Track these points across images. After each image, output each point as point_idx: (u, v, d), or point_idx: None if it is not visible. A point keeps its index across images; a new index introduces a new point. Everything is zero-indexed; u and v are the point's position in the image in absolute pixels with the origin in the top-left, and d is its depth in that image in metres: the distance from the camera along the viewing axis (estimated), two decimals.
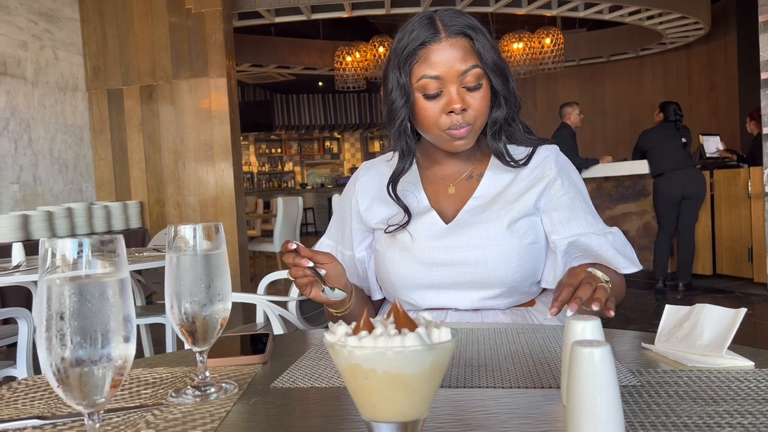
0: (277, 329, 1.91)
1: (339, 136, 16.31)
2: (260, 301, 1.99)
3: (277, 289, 3.64)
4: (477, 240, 1.04)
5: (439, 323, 0.53)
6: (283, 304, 1.96)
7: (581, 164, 5.81)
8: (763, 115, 4.82)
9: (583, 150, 5.96)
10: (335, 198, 4.89)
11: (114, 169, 5.94)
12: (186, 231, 0.67)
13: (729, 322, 0.73)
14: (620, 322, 0.98)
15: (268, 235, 7.98)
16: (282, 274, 2.45)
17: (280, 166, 15.99)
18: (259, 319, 2.38)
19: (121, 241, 0.50)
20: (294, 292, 1.99)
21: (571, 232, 1.06)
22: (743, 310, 0.73)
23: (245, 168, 14.86)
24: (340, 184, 15.29)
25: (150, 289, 3.38)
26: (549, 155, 1.13)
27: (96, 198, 5.95)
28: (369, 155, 16.76)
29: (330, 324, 0.53)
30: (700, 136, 6.08)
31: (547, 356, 0.77)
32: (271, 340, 0.87)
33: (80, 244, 0.48)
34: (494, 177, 1.12)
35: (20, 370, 2.02)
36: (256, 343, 0.87)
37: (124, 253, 0.51)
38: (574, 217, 1.08)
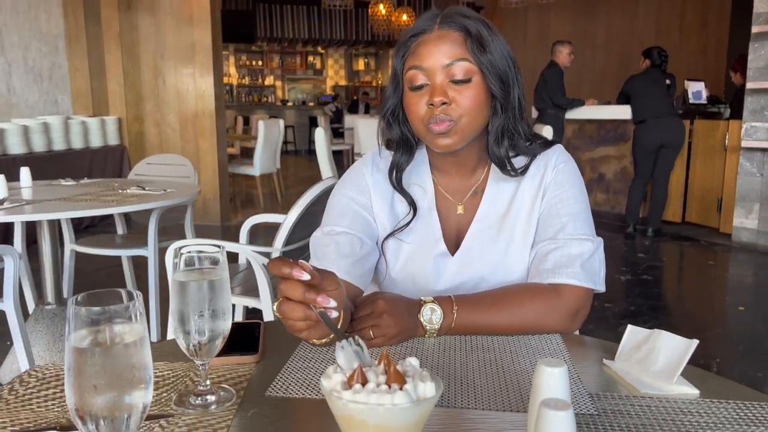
0: (263, 284, 1.97)
1: (323, 51, 15.88)
2: (245, 250, 2.05)
3: (259, 232, 3.65)
4: (484, 272, 1.08)
5: (425, 375, 0.59)
6: (267, 255, 2.02)
7: (567, 104, 5.82)
8: (749, 69, 4.84)
9: (569, 86, 5.94)
10: (319, 135, 4.82)
11: (91, 82, 5.77)
12: (191, 257, 0.72)
13: (682, 352, 0.81)
14: None
15: (247, 155, 7.92)
16: (264, 218, 2.50)
17: (260, 80, 15.62)
18: (241, 260, 2.45)
19: (139, 299, 0.55)
20: (278, 242, 2.05)
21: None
22: (695, 342, 0.81)
23: (225, 80, 14.48)
24: (321, 102, 15.03)
25: (133, 221, 3.40)
26: (549, 158, 1.10)
27: (72, 111, 5.81)
28: (353, 73, 16.40)
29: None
30: (685, 81, 6.09)
31: (517, 369, 0.85)
32: (263, 335, 0.94)
33: (104, 311, 0.53)
34: (495, 193, 1.11)
35: (7, 304, 2.07)
36: (249, 336, 0.93)
37: (143, 313, 0.55)
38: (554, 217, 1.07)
